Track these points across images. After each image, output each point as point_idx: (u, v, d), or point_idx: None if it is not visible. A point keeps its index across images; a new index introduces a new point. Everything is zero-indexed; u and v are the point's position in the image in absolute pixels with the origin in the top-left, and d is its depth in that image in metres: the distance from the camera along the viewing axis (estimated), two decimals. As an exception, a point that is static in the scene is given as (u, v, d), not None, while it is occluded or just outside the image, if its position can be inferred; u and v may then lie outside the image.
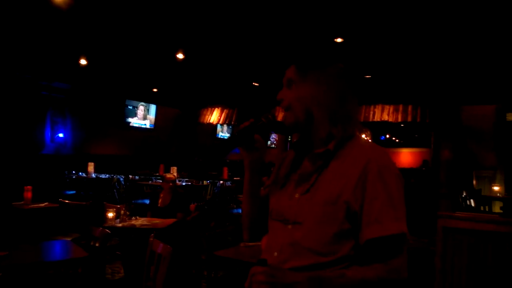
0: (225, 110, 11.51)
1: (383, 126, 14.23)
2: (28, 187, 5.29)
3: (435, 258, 3.04)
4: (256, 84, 8.95)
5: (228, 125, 13.18)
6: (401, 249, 1.09)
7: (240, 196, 6.17)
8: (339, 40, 5.50)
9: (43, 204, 5.22)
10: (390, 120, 9.21)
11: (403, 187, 1.14)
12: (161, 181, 6.90)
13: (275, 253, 1.18)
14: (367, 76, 7.73)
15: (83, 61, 6.99)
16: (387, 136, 18.97)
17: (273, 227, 1.26)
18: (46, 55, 6.94)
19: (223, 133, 13.82)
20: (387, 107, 9.27)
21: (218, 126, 13.30)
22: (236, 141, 1.27)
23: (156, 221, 4.40)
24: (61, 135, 8.91)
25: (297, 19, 4.86)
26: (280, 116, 1.32)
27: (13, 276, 2.74)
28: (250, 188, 1.35)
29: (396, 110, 9.17)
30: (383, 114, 9.28)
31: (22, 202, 5.21)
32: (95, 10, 4.82)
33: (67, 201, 5.24)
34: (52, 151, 8.73)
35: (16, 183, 5.89)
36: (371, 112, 9.40)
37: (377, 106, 9.37)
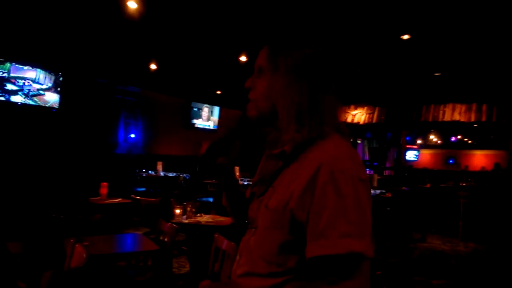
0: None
1: (454, 127, 13.45)
2: (104, 183, 5.57)
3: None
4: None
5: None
6: (353, 272, 0.87)
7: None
8: (406, 37, 5.32)
9: (117, 200, 5.48)
10: (462, 120, 8.68)
11: (367, 195, 0.93)
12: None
13: (237, 257, 1.12)
14: (437, 74, 7.38)
15: (153, 66, 7.37)
16: (459, 137, 17.88)
17: (245, 231, 1.15)
18: (120, 61, 7.39)
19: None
20: (458, 106, 8.76)
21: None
22: (203, 171, 1.17)
23: (220, 218, 4.50)
24: (133, 135, 9.41)
25: (364, 16, 4.77)
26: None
27: (92, 265, 2.96)
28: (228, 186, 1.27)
29: (468, 109, 8.64)
30: (454, 113, 8.79)
31: (98, 198, 5.48)
32: (164, 18, 5.07)
33: (138, 197, 5.50)
34: (124, 150, 9.23)
35: (93, 180, 6.26)
36: (441, 112, 8.94)
37: (447, 105, 8.89)
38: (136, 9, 4.67)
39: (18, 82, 6.96)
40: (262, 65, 1.08)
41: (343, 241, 0.86)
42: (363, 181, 0.93)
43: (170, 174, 8.80)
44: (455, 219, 7.68)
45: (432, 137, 18.66)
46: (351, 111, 10.21)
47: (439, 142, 18.96)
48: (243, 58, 6.54)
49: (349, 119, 10.31)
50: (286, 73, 1.03)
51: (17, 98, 6.98)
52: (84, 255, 2.00)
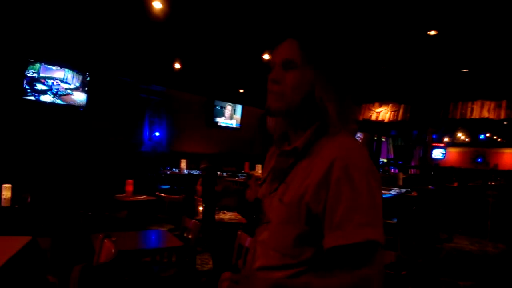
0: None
1: (483, 124, 13.11)
2: (129, 181, 5.69)
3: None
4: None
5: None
6: (370, 259, 0.92)
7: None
8: (432, 33, 5.21)
9: (142, 197, 5.57)
10: (491, 117, 8.42)
11: (378, 186, 0.98)
12: (246, 178, 7.12)
13: (253, 250, 1.17)
14: (464, 70, 7.20)
15: (177, 65, 7.45)
16: (488, 135, 17.41)
17: (256, 226, 1.20)
18: (145, 61, 7.50)
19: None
20: (487, 103, 8.52)
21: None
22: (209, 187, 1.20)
23: (243, 216, 4.53)
24: (157, 134, 9.54)
25: (390, 12, 4.70)
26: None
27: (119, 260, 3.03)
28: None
29: (498, 106, 8.39)
30: (482, 110, 8.55)
31: (124, 195, 5.59)
32: (187, 18, 5.12)
33: (162, 194, 5.58)
34: (149, 148, 9.37)
35: (119, 177, 6.36)
36: (469, 109, 8.71)
37: (475, 102, 8.66)
38: (161, 9, 4.74)
39: (47, 82, 7.17)
40: (294, 59, 1.07)
41: (360, 231, 0.92)
42: (373, 172, 0.98)
43: (194, 172, 8.89)
44: (484, 219, 7.49)
45: (460, 135, 18.24)
46: (375, 108, 10.08)
47: (467, 140, 18.52)
48: (266, 56, 6.54)
49: (373, 117, 10.17)
50: (321, 69, 1.06)
51: (46, 98, 7.19)
52: (113, 250, 2.05)
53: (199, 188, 1.20)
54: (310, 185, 0.98)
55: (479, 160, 18.58)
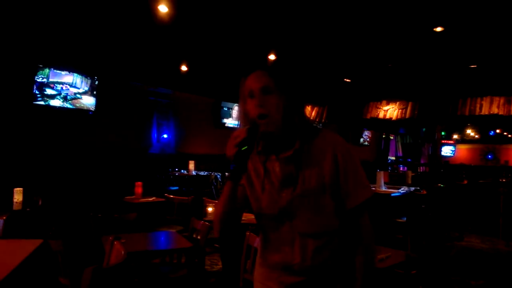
0: (315, 108, 11.48)
1: (493, 120, 13.02)
2: (138, 183, 5.74)
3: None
4: (347, 80, 8.78)
5: (319, 122, 13.13)
6: (367, 206, 1.34)
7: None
8: (439, 29, 5.18)
9: (151, 199, 5.63)
10: (501, 113, 8.32)
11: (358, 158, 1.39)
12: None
13: (286, 248, 1.33)
14: (472, 66, 7.14)
15: (184, 68, 7.49)
16: (498, 131, 17.24)
17: (269, 226, 1.37)
18: (152, 64, 7.56)
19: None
20: (496, 99, 8.43)
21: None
22: (248, 153, 1.26)
23: (251, 216, 4.53)
24: (165, 136, 9.59)
25: (395, 10, 4.69)
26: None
27: (129, 262, 3.05)
28: (233, 193, 1.34)
29: (508, 102, 8.29)
30: (492, 106, 8.46)
31: (133, 197, 5.66)
32: (193, 20, 5.16)
33: (171, 196, 5.61)
34: (158, 150, 9.42)
35: (128, 179, 6.43)
36: (478, 105, 8.62)
37: (484, 99, 8.57)
38: (167, 12, 4.77)
39: (56, 86, 7.25)
40: (269, 86, 1.31)
41: (365, 191, 1.34)
42: (352, 149, 1.35)
43: (202, 173, 8.92)
44: (495, 217, 7.41)
45: (469, 131, 18.08)
46: (383, 106, 10.03)
47: (476, 136, 18.35)
48: (272, 57, 6.55)
49: (381, 115, 10.12)
50: (292, 91, 1.34)
51: (56, 102, 7.27)
52: (123, 252, 2.08)
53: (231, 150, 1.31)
54: (324, 168, 1.30)
55: (489, 156, 18.41)
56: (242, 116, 1.38)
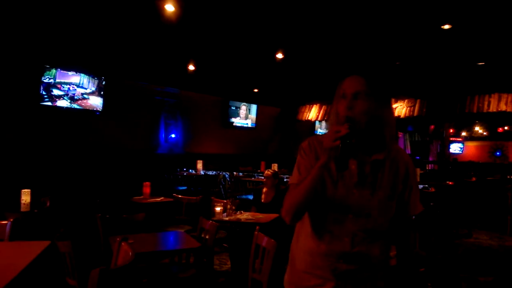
0: (323, 107, 11.43)
1: (501, 117, 12.87)
2: (146, 183, 5.76)
3: None
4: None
5: (326, 121, 13.10)
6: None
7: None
8: (446, 27, 5.13)
9: (159, 199, 5.64)
10: (509, 110, 8.22)
11: None
12: (263, 177, 7.12)
13: (346, 239, 1.45)
14: (480, 63, 7.06)
15: (191, 67, 7.49)
16: (506, 128, 17.05)
17: (337, 218, 1.47)
18: (159, 63, 7.56)
19: (322, 130, 13.79)
20: (504, 95, 8.33)
21: (317, 122, 13.30)
22: (351, 147, 1.37)
23: (260, 216, 4.52)
24: (173, 135, 9.60)
25: (403, 8, 4.65)
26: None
27: (137, 262, 3.05)
28: (317, 183, 1.44)
29: (516, 99, 8.23)
30: (500, 103, 8.36)
31: (141, 197, 5.67)
32: (200, 19, 5.15)
33: (179, 196, 5.61)
34: (165, 150, 9.44)
35: (136, 179, 6.44)
36: (486, 102, 8.53)
37: (492, 96, 8.48)
38: (174, 12, 4.77)
39: (63, 87, 7.29)
40: (360, 91, 1.44)
41: (420, 205, 1.55)
42: None
43: (210, 173, 8.92)
44: (503, 214, 7.34)
45: (478, 128, 17.92)
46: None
47: (484, 133, 18.18)
48: (279, 55, 6.53)
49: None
50: (382, 102, 1.47)
51: (63, 103, 7.31)
52: (130, 253, 2.07)
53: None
54: (398, 181, 1.50)
55: (497, 153, 18.22)
56: (334, 114, 1.50)
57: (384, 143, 1.48)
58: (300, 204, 1.46)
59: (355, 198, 1.46)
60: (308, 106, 11.73)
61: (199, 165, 8.84)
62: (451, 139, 18.09)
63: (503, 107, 8.26)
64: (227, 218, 4.36)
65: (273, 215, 4.43)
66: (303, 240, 1.55)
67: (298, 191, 1.45)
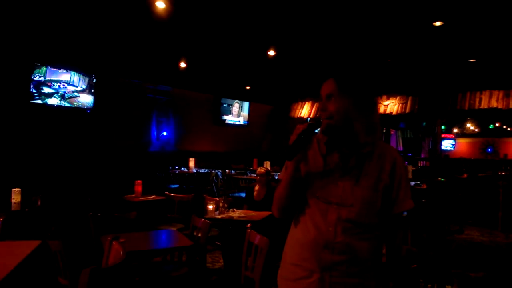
0: (316, 104, 11.45)
1: (492, 114, 12.97)
2: (138, 181, 5.72)
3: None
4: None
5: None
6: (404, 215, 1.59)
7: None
8: (438, 23, 5.15)
9: (151, 197, 5.61)
10: (500, 106, 8.30)
11: None
12: (255, 175, 7.12)
13: (330, 228, 1.49)
14: (471, 60, 7.11)
15: (182, 64, 7.45)
16: (497, 124, 17.20)
17: (322, 209, 1.52)
18: (151, 61, 7.51)
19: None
20: (495, 92, 8.40)
21: (309, 120, 13.34)
22: (304, 142, 1.47)
23: (252, 213, 4.52)
24: (165, 133, 9.57)
25: (394, 4, 4.65)
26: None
27: (129, 261, 3.03)
28: (294, 176, 1.54)
29: (506, 96, 8.27)
30: (491, 100, 8.43)
31: (133, 195, 5.63)
32: (191, 16, 5.12)
33: (171, 194, 5.59)
34: (157, 148, 9.41)
35: (128, 178, 6.42)
36: (477, 99, 8.60)
37: (483, 92, 8.55)
38: (164, 8, 4.73)
39: (53, 85, 7.22)
40: (332, 93, 1.52)
41: (409, 203, 1.55)
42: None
43: (202, 171, 8.91)
44: (494, 210, 7.41)
45: (469, 125, 18.05)
46: (383, 101, 10.00)
47: (476, 130, 18.32)
48: (271, 53, 6.51)
49: (381, 110, 10.09)
50: (354, 98, 1.51)
51: (53, 101, 7.24)
52: (121, 252, 2.06)
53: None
54: (385, 175, 1.52)
55: (489, 150, 18.40)
56: (320, 113, 1.60)
57: (358, 138, 1.52)
58: (283, 198, 1.57)
59: (339, 189, 1.51)
60: (300, 103, 11.74)
61: (191, 163, 8.81)
62: (443, 135, 18.22)
63: (494, 103, 8.34)
64: (219, 216, 4.36)
65: (266, 213, 4.44)
66: (292, 232, 1.62)
67: (280, 185, 1.58)
